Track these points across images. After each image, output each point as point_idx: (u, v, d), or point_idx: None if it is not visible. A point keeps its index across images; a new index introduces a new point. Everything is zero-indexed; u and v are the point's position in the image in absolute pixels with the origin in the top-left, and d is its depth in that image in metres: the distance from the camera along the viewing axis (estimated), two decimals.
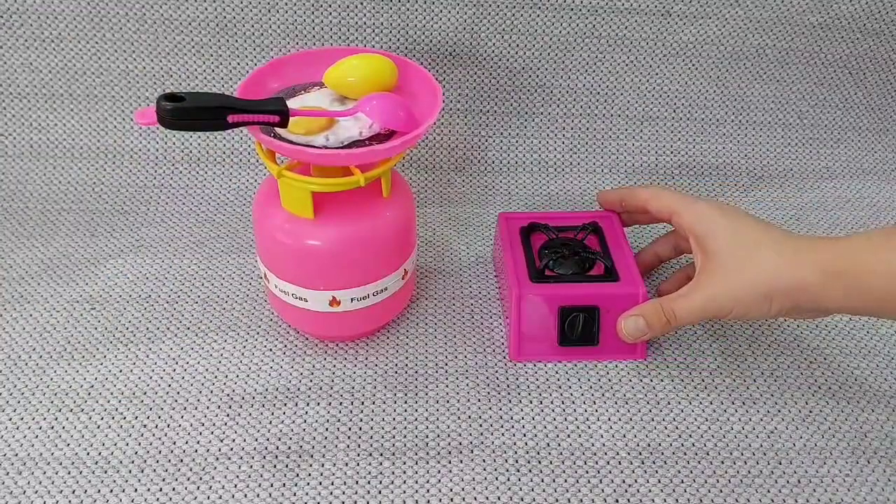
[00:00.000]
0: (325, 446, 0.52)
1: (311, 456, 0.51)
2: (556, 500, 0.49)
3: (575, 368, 0.58)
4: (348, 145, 0.50)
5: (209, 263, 0.67)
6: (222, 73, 0.74)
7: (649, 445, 0.53)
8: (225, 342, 0.60)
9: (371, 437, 0.53)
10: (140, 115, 0.46)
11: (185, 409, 0.54)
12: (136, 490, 0.49)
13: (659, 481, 0.50)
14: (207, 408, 0.54)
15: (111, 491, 0.49)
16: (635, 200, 0.62)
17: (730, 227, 0.53)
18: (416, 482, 0.50)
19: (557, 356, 0.58)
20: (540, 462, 0.51)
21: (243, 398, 0.55)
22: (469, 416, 0.54)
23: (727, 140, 0.80)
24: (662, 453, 0.52)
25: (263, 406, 0.55)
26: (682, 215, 0.57)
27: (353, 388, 0.56)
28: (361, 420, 0.54)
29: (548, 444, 0.53)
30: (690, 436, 0.53)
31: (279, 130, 0.50)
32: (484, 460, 0.51)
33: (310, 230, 0.53)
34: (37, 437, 0.52)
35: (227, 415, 0.54)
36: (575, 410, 0.55)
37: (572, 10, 0.74)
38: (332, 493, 0.49)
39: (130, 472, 0.50)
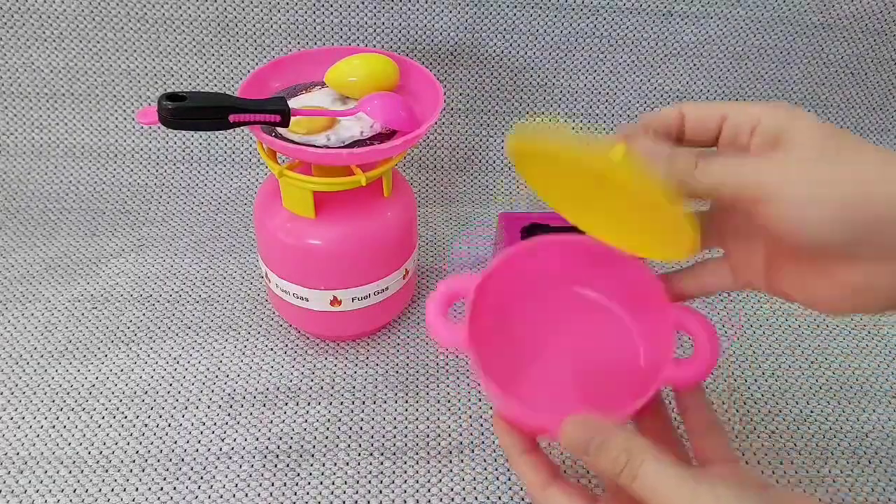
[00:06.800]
0: (325, 446, 0.52)
1: (312, 455, 0.51)
2: None
3: None
4: (349, 145, 0.50)
5: (210, 263, 0.67)
6: (224, 72, 0.74)
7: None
8: (226, 342, 0.60)
9: (372, 437, 0.53)
10: (141, 114, 0.46)
11: (185, 408, 0.54)
12: (136, 489, 0.49)
13: None
14: (208, 407, 0.54)
15: (112, 490, 0.49)
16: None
17: (820, 126, 0.34)
18: (417, 481, 0.50)
19: None
20: None
21: (244, 398, 0.55)
22: (469, 416, 0.54)
23: None
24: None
25: (264, 405, 0.55)
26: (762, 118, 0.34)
27: (353, 387, 0.56)
28: (362, 419, 0.54)
29: (548, 444, 0.52)
30: None
31: (280, 130, 0.50)
32: (484, 460, 0.51)
33: (311, 230, 0.53)
34: (38, 436, 0.52)
35: (228, 414, 0.54)
36: None
37: (573, 10, 0.74)
38: (332, 493, 0.49)
39: (131, 471, 0.50)
